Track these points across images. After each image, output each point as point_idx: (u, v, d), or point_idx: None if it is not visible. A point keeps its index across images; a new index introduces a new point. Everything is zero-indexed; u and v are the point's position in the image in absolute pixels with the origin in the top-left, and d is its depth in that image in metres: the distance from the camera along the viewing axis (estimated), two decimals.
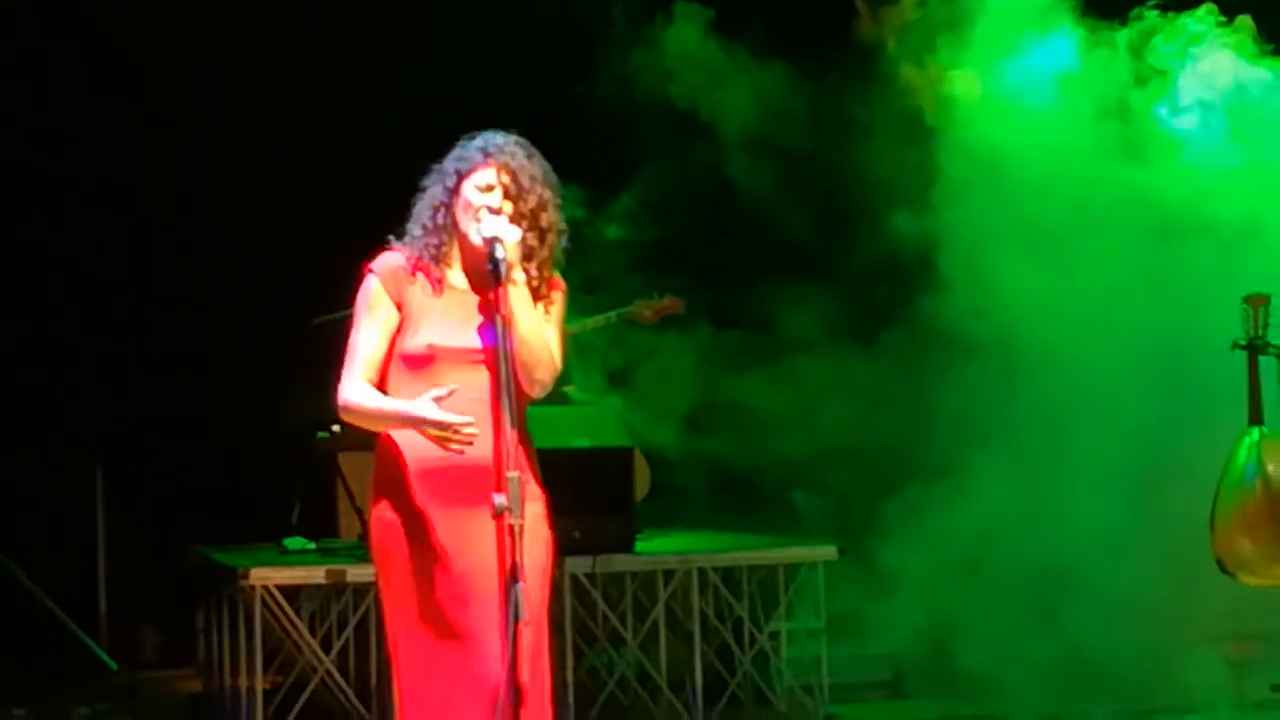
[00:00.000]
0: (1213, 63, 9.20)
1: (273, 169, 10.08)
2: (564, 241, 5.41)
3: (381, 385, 5.31)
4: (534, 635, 5.10)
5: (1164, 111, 9.27)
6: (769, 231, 10.12)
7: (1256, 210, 8.99)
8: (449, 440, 5.12)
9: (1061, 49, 9.37)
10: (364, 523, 5.43)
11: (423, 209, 5.38)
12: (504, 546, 5.01)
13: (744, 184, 9.86)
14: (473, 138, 5.40)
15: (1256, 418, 8.26)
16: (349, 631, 8.23)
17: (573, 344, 9.27)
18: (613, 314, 9.49)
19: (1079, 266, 9.07)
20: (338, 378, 5.33)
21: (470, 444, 5.13)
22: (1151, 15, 9.20)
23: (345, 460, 9.05)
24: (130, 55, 10.08)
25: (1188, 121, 9.24)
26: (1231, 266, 8.71)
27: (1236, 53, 9.20)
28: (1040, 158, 9.16)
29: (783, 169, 9.78)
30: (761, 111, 9.70)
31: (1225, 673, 8.58)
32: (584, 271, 8.15)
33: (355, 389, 5.29)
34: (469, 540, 5.18)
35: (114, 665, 9.63)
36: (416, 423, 5.16)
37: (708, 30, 9.71)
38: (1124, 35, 9.27)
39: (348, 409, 5.31)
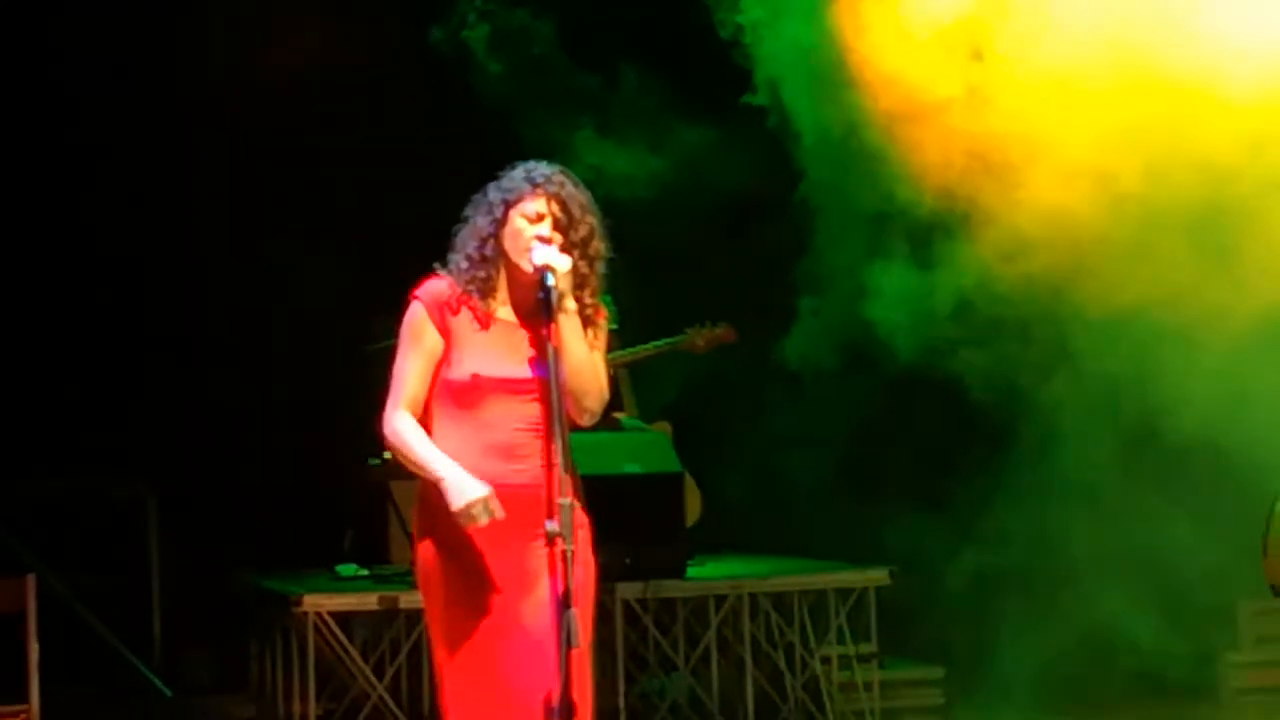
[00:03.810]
0: None
1: (328, 194, 10.13)
2: (604, 268, 5.42)
3: (425, 414, 5.31)
4: (579, 660, 5.11)
5: None
6: None
7: None
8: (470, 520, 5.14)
9: None
10: (414, 549, 5.44)
11: (467, 239, 5.37)
12: (554, 572, 5.04)
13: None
14: (513, 167, 5.40)
15: None
16: (401, 658, 8.24)
17: (625, 372, 9.29)
18: (663, 342, 9.46)
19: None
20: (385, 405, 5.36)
21: (495, 514, 5.14)
22: None
23: (397, 487, 9.07)
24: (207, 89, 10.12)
25: None
26: None
27: None
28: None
29: None
30: None
31: None
32: None
33: (401, 423, 5.29)
34: (516, 566, 5.20)
35: (167, 691, 9.64)
36: (443, 492, 5.18)
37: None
38: None
39: (392, 443, 5.32)
